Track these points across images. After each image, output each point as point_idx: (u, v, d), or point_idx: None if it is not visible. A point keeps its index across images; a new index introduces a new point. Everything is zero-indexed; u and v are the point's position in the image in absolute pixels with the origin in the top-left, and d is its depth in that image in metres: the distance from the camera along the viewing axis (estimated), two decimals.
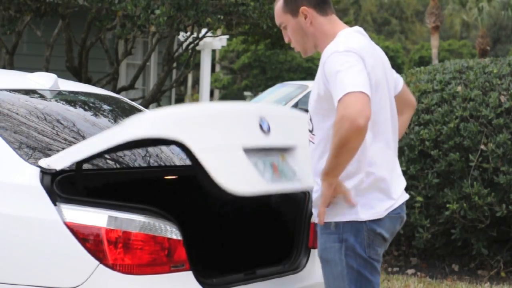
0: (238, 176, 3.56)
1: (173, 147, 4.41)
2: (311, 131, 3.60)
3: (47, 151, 3.86)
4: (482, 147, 6.60)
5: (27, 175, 3.57)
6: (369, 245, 3.49)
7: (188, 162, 4.52)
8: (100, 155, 3.66)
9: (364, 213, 3.49)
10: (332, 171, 3.41)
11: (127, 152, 4.38)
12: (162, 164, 4.35)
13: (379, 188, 3.52)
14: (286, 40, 3.70)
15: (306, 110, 3.74)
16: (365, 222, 3.48)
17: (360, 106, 3.31)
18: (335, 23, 3.62)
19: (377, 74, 3.52)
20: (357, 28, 3.68)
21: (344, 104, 3.32)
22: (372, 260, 3.51)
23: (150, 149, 4.60)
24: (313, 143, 3.58)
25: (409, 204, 6.63)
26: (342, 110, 3.31)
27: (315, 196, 3.56)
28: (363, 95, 3.33)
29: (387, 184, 3.54)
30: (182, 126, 3.44)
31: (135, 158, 4.31)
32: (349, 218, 3.48)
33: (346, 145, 3.34)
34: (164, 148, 4.74)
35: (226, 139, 3.60)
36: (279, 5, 3.64)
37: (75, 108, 4.54)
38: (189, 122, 3.50)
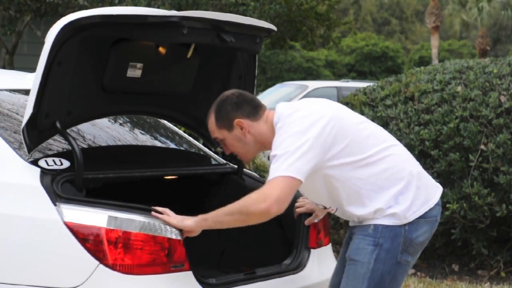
0: None
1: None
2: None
3: (47, 151, 3.86)
4: (482, 147, 6.60)
5: (27, 175, 3.57)
6: (403, 251, 3.54)
7: (187, 162, 4.53)
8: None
9: (404, 215, 3.52)
10: (212, 224, 3.50)
11: (127, 152, 4.38)
12: (162, 164, 4.35)
13: (412, 192, 3.55)
14: (227, 152, 3.72)
15: None
16: (404, 226, 3.52)
17: (284, 196, 3.38)
18: (268, 117, 3.62)
19: (339, 115, 3.55)
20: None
21: (273, 185, 3.38)
22: (400, 266, 3.54)
23: (149, 148, 4.60)
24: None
25: None
26: (268, 190, 3.38)
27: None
28: (294, 184, 3.39)
29: (416, 186, 3.57)
30: None
31: (135, 158, 4.32)
32: (389, 223, 3.51)
33: (245, 217, 3.45)
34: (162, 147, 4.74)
35: None
36: (211, 121, 3.63)
37: None
38: None
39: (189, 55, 3.93)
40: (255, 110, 3.62)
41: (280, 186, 3.37)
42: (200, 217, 3.52)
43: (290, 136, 3.43)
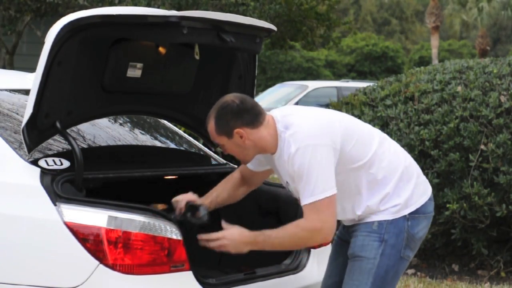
0: None
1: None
2: None
3: (47, 151, 3.86)
4: (482, 147, 6.60)
5: (27, 175, 3.57)
6: (406, 246, 3.62)
7: (187, 162, 4.53)
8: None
9: (406, 204, 3.61)
10: (265, 248, 3.61)
11: (127, 152, 4.38)
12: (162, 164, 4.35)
13: (414, 182, 3.67)
14: (225, 153, 3.74)
15: None
16: (407, 221, 3.59)
17: (333, 221, 3.49)
18: (269, 122, 3.60)
19: (341, 122, 3.62)
20: (285, 109, 3.73)
21: (320, 215, 3.46)
22: (402, 262, 3.62)
23: (150, 148, 4.60)
24: None
25: None
26: (317, 223, 3.47)
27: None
28: (333, 199, 3.46)
29: (417, 174, 3.72)
30: None
31: (135, 158, 4.31)
32: (392, 217, 3.59)
33: (301, 247, 3.72)
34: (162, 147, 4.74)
35: None
36: (211, 126, 3.60)
37: None
38: None
39: (197, 55, 3.93)
40: (256, 118, 3.57)
41: (326, 211, 3.47)
42: (252, 241, 3.60)
43: (309, 153, 3.46)
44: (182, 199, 3.78)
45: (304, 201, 3.47)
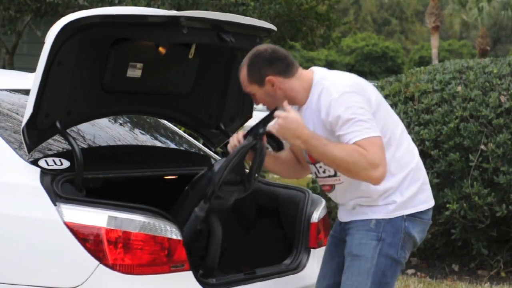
0: None
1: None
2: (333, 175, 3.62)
3: (47, 151, 3.86)
4: (482, 147, 6.60)
5: (27, 175, 3.57)
6: (402, 246, 3.59)
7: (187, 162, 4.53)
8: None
9: (406, 204, 3.57)
10: (311, 152, 3.49)
11: (127, 152, 4.38)
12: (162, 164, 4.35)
13: (419, 185, 3.62)
14: (256, 104, 3.72)
15: None
16: (404, 221, 3.56)
17: (386, 167, 3.43)
18: (302, 75, 3.60)
19: (376, 93, 3.61)
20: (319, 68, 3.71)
21: (378, 151, 3.40)
22: (399, 262, 3.60)
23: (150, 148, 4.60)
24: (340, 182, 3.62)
25: None
26: (376, 157, 3.39)
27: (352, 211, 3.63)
28: (382, 142, 3.43)
29: (424, 182, 3.66)
30: None
31: (135, 158, 4.32)
32: (390, 215, 3.56)
33: (348, 174, 3.47)
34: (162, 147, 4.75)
35: None
36: (243, 74, 3.59)
37: None
38: None
39: (191, 55, 3.93)
40: (288, 68, 3.56)
41: (381, 151, 3.42)
42: (305, 137, 3.46)
43: (354, 97, 3.47)
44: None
45: (358, 137, 3.40)
